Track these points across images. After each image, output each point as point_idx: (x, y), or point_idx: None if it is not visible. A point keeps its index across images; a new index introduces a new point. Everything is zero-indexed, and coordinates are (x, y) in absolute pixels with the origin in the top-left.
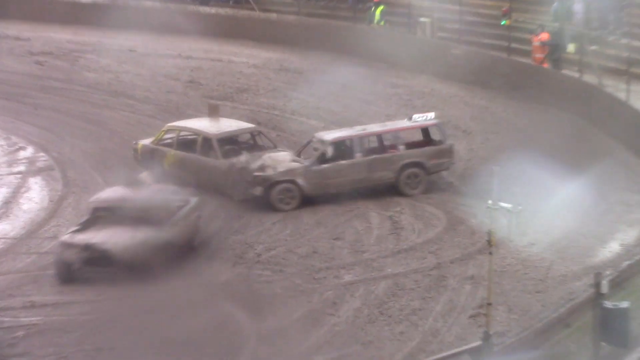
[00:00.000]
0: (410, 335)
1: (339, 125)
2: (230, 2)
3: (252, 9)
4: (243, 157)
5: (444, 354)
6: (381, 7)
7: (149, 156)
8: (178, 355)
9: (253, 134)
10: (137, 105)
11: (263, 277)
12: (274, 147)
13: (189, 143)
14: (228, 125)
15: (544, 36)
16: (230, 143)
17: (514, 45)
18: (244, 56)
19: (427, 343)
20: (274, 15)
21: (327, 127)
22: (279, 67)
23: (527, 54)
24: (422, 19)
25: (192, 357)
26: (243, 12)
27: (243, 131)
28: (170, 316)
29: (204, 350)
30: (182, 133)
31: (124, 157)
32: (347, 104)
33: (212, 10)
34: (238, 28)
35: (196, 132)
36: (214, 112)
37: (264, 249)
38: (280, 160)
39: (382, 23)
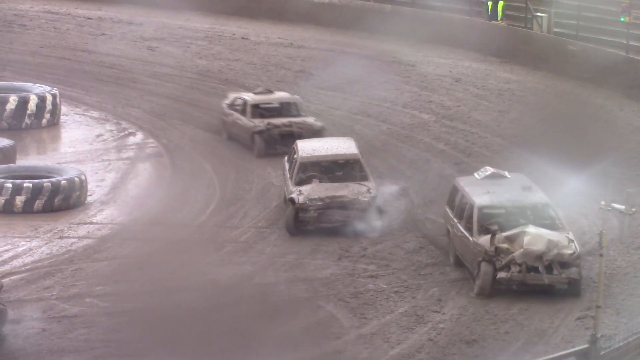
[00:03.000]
0: (515, 335)
1: (450, 119)
2: None
3: (367, 0)
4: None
5: (550, 355)
6: (502, 3)
7: None
8: (271, 354)
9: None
10: None
11: (368, 271)
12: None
13: None
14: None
15: None
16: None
17: (632, 43)
18: (356, 47)
19: (532, 344)
20: (388, 7)
21: (438, 122)
22: (391, 58)
23: None
24: (539, 14)
25: (287, 357)
26: (357, 3)
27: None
28: (268, 312)
29: (300, 350)
30: None
31: (232, 148)
32: (459, 98)
33: None
34: (351, 18)
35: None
36: None
37: (370, 243)
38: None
39: (499, 18)
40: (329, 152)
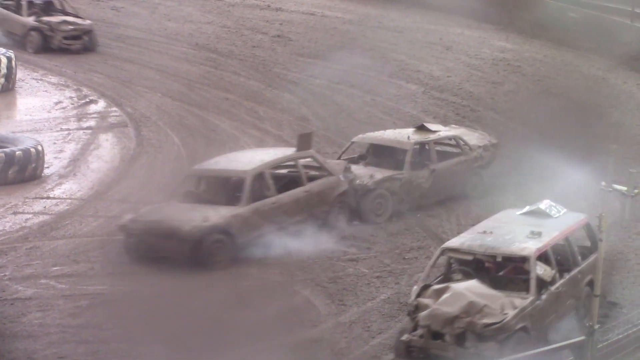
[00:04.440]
0: None
1: (440, 90)
2: None
3: None
4: None
5: (543, 348)
6: None
7: None
8: (243, 343)
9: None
10: (219, 60)
11: (348, 254)
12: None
13: None
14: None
15: None
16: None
17: (638, 10)
18: (339, 10)
19: None
20: None
21: (427, 93)
22: (377, 24)
23: None
24: None
25: (261, 347)
26: None
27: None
28: (239, 297)
29: (274, 338)
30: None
31: (202, 118)
32: (449, 68)
33: None
34: None
35: None
36: (304, 143)
37: (351, 223)
38: None
39: None
40: (219, 167)
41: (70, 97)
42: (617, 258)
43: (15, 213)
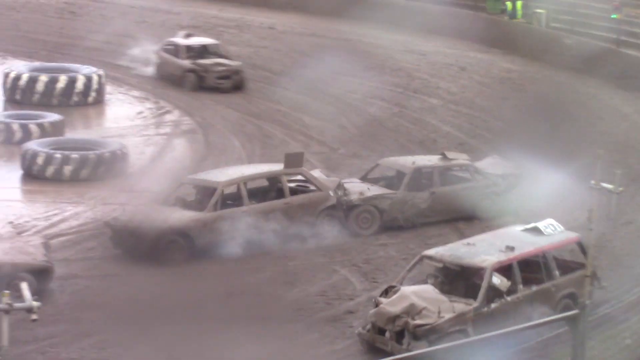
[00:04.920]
0: None
1: (456, 104)
2: None
3: None
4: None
5: (544, 319)
6: (520, 2)
7: None
8: (289, 313)
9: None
10: (273, 78)
11: (379, 240)
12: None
13: None
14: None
15: None
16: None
17: (623, 37)
18: (372, 37)
19: None
20: (401, 1)
21: (445, 106)
22: (404, 48)
23: (635, 46)
24: (537, 10)
25: (305, 319)
26: None
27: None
28: (288, 276)
29: (316, 309)
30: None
31: (259, 126)
32: (464, 85)
33: None
34: (367, 11)
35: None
36: (293, 162)
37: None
38: None
39: (519, 16)
40: (200, 177)
41: (150, 108)
42: (604, 245)
43: (104, 204)
